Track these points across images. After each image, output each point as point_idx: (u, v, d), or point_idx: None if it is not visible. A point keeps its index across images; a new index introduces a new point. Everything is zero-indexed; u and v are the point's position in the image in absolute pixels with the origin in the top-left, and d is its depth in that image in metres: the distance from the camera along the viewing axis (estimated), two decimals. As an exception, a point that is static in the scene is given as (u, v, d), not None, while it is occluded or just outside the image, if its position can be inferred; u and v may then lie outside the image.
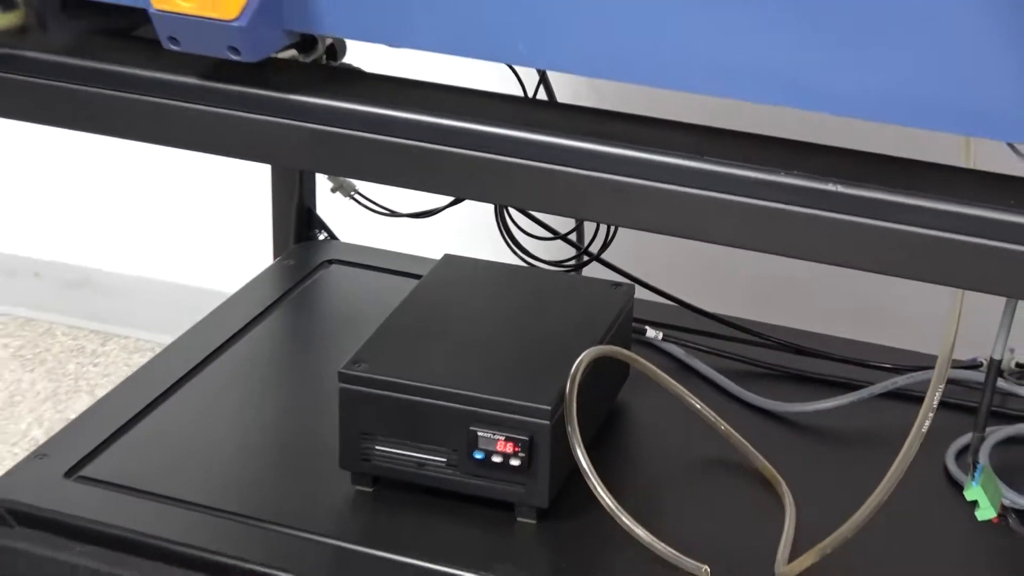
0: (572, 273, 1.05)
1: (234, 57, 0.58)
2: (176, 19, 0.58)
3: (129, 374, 0.98)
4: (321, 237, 1.16)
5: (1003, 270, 0.50)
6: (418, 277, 0.95)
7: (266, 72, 0.61)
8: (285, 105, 0.60)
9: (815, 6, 0.50)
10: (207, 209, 1.46)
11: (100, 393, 1.15)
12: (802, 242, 0.54)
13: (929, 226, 0.51)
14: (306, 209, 1.14)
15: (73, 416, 0.93)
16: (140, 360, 1.39)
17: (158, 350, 1.07)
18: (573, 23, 0.54)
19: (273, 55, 0.61)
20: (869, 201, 0.51)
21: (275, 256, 1.13)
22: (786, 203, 0.53)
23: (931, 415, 0.69)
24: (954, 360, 0.73)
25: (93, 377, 1.49)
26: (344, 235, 1.17)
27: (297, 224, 1.13)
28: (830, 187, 0.52)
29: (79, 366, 1.52)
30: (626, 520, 0.73)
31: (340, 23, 0.60)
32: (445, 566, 0.72)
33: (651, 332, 0.96)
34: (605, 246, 1.02)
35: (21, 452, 1.26)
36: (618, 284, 0.91)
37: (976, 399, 0.81)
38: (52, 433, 0.91)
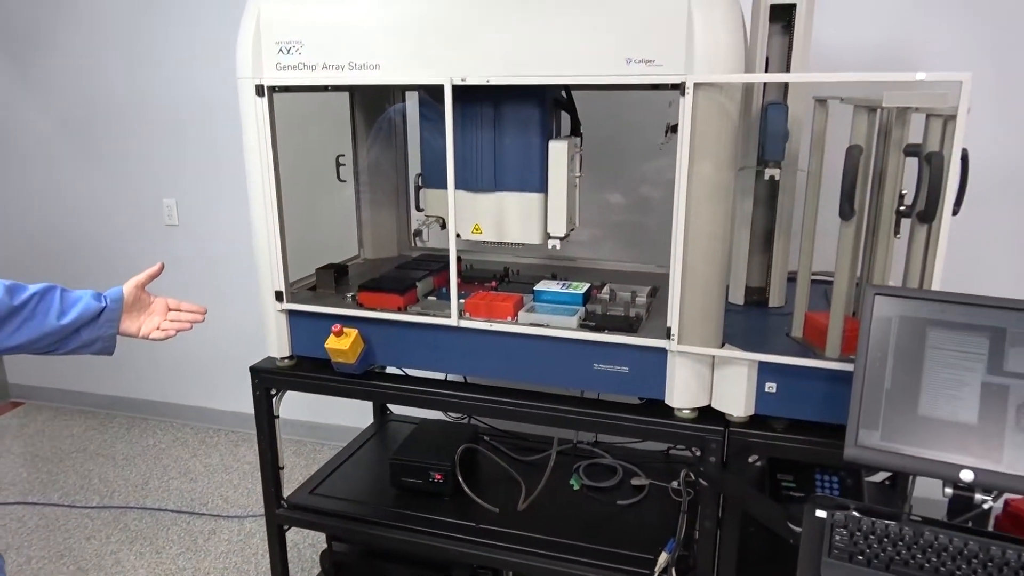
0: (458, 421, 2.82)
1: (353, 373, 2.35)
2: (339, 364, 2.36)
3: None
4: (387, 412, 3.00)
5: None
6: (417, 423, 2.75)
7: (366, 376, 2.37)
8: (366, 384, 2.36)
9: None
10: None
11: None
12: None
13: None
14: (381, 405, 2.99)
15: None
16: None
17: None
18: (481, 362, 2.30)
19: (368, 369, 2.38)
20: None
21: (374, 417, 2.99)
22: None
23: (555, 456, 2.40)
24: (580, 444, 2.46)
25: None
26: (396, 409, 2.99)
27: (382, 409, 2.99)
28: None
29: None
30: (474, 496, 2.45)
31: (388, 361, 2.36)
32: (426, 513, 2.43)
33: (486, 438, 2.72)
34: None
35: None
36: (473, 423, 2.68)
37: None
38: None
